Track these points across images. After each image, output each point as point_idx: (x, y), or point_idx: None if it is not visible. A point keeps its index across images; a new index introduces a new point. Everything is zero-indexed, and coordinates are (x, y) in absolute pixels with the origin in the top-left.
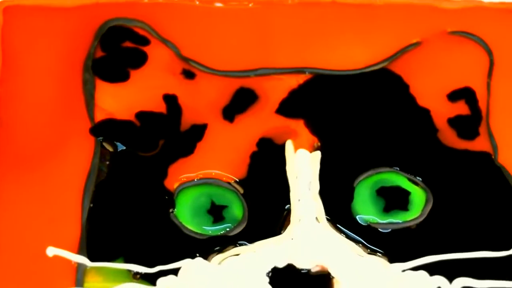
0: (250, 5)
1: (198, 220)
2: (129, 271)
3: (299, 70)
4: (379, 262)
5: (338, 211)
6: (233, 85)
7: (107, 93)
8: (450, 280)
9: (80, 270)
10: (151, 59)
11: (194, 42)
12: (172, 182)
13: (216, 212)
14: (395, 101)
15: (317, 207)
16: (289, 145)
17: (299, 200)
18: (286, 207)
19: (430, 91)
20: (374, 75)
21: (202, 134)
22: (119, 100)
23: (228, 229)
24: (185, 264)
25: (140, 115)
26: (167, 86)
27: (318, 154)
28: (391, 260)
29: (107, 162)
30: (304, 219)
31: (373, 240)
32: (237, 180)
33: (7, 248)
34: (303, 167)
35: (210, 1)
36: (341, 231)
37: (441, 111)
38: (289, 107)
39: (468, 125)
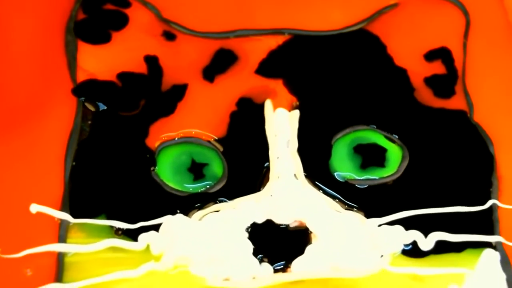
0: None
1: (179, 177)
2: (111, 227)
3: (278, 31)
4: (356, 217)
5: (316, 168)
6: (213, 46)
7: (89, 55)
8: (425, 234)
9: (63, 227)
10: (132, 21)
11: (175, 4)
12: (153, 141)
13: (196, 170)
14: (373, 61)
15: (296, 164)
16: (268, 104)
17: (278, 157)
18: (265, 165)
19: (407, 51)
20: (352, 36)
21: (182, 94)
22: (100, 61)
23: (208, 186)
24: (166, 220)
25: (122, 75)
26: (148, 47)
27: (296, 113)
28: (368, 215)
29: (89, 122)
30: (282, 176)
31: (350, 196)
32: (217, 138)
33: None
34: (282, 125)
35: None
36: (319, 188)
37: (418, 70)
38: (268, 68)
39: (444, 84)
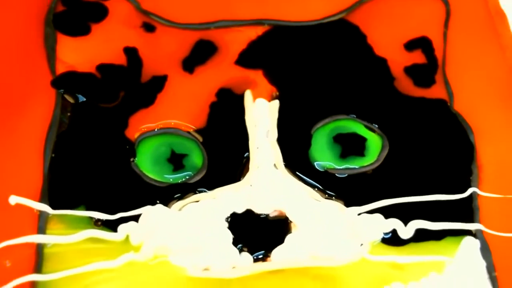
0: None
1: (159, 168)
2: (91, 218)
3: (258, 22)
4: (335, 206)
5: (296, 157)
6: (193, 37)
7: (68, 47)
8: (405, 222)
9: (42, 218)
10: (111, 13)
11: None
12: (133, 132)
13: (176, 161)
14: (353, 51)
15: (275, 154)
16: (248, 95)
17: (257, 147)
18: (245, 155)
19: (387, 41)
20: (331, 26)
21: (162, 85)
22: (80, 53)
23: (188, 177)
24: (145, 211)
25: (101, 67)
26: (128, 39)
27: (276, 103)
28: (347, 204)
29: (69, 114)
30: (262, 166)
31: (330, 185)
32: (197, 129)
33: None
34: (261, 116)
35: None
36: (298, 177)
37: (398, 60)
38: (248, 58)
39: (424, 73)
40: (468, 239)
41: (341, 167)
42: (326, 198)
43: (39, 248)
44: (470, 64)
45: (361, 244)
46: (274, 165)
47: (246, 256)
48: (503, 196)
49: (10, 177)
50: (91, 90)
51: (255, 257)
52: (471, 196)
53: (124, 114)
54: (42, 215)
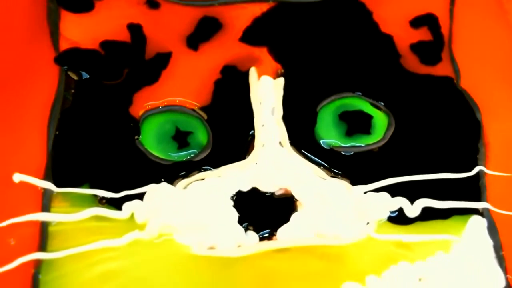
0: None
1: (163, 146)
2: (95, 196)
3: None
4: (341, 184)
5: (302, 135)
6: (197, 14)
7: (72, 23)
8: (412, 201)
9: (46, 196)
10: None
11: None
12: (137, 110)
13: (181, 138)
14: (358, 27)
15: (281, 132)
16: (252, 72)
17: (262, 125)
18: (250, 133)
19: (393, 17)
20: (337, 2)
21: (166, 62)
22: (83, 30)
23: (193, 155)
24: (150, 189)
25: (105, 44)
26: (132, 15)
27: (281, 81)
28: (353, 183)
29: (72, 91)
30: (267, 144)
31: (336, 163)
32: (202, 106)
33: None
34: (266, 93)
35: None
36: (304, 155)
37: (404, 37)
38: (252, 35)
39: (431, 50)
40: (475, 218)
41: (347, 145)
42: (332, 177)
43: (44, 226)
44: (477, 41)
45: (367, 223)
46: (280, 143)
47: (252, 235)
48: (510, 174)
49: (14, 154)
50: (95, 67)
51: (260, 236)
52: (478, 174)
53: (128, 91)
54: (46, 193)
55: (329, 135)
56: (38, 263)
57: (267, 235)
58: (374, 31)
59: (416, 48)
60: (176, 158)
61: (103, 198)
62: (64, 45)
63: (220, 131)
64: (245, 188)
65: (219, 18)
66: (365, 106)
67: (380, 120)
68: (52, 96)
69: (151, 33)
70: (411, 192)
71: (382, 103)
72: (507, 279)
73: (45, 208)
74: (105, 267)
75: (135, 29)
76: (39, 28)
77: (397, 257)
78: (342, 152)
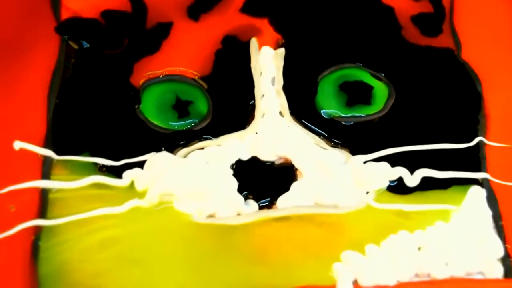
0: None
1: (164, 115)
2: (95, 164)
3: None
4: (341, 154)
5: (302, 105)
6: None
7: None
8: (412, 171)
9: (47, 163)
10: None
11: None
12: (137, 79)
13: (181, 108)
14: None
15: (281, 102)
16: (253, 43)
17: (263, 95)
18: (250, 103)
19: None
20: None
21: (167, 32)
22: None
23: (193, 124)
24: (150, 157)
25: (106, 13)
26: None
27: (282, 51)
28: (353, 152)
29: (73, 60)
30: (268, 113)
31: (336, 133)
32: (202, 76)
33: None
34: (267, 63)
35: None
36: (304, 125)
37: (405, 9)
38: (253, 6)
39: (432, 22)
40: (475, 188)
41: (347, 115)
42: (332, 146)
43: (44, 194)
44: (478, 13)
45: (367, 192)
46: (280, 112)
47: (252, 203)
48: (510, 145)
49: (14, 122)
50: (96, 36)
51: (260, 204)
52: (478, 145)
53: (129, 60)
54: (46, 160)
55: (330, 105)
56: (38, 230)
57: (266, 203)
58: (375, 2)
59: (417, 19)
60: (176, 127)
61: (103, 166)
62: (65, 15)
63: (220, 101)
64: (245, 157)
65: None
66: (365, 76)
67: (381, 91)
68: (52, 65)
69: (152, 3)
70: (411, 162)
71: (383, 74)
72: (506, 248)
73: (45, 175)
74: (105, 234)
75: None
76: None
77: (397, 226)
78: (342, 122)
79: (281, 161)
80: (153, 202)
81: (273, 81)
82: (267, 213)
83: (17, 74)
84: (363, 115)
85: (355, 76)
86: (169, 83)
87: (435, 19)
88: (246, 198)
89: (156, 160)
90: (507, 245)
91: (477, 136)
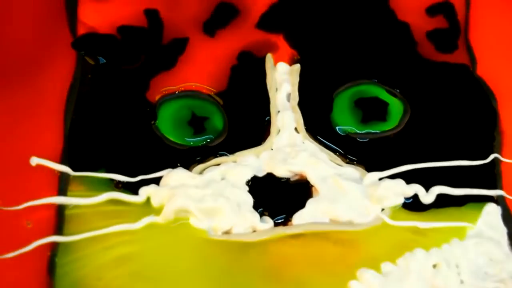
0: None
1: (180, 131)
2: (112, 180)
3: None
4: (356, 171)
5: (317, 122)
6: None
7: (89, 8)
8: (427, 188)
9: (63, 179)
10: None
11: None
12: (153, 95)
13: (197, 124)
14: (375, 15)
15: (297, 118)
16: (269, 58)
17: (278, 111)
18: (266, 119)
19: (410, 5)
20: None
21: (183, 47)
22: (101, 15)
23: (209, 140)
24: (166, 174)
25: (122, 29)
26: (149, 0)
27: (297, 67)
28: (369, 169)
29: (89, 75)
30: (283, 129)
31: (351, 149)
32: (218, 92)
33: None
34: (282, 79)
35: None
36: (320, 141)
37: (420, 24)
38: (269, 21)
39: (447, 38)
40: (490, 205)
41: (362, 132)
42: (347, 163)
43: (60, 210)
44: (493, 29)
45: (382, 209)
46: (295, 129)
47: (267, 220)
48: None
49: (31, 138)
50: (112, 52)
51: (275, 221)
52: (493, 162)
53: (145, 76)
54: (63, 176)
55: (345, 121)
56: (54, 246)
57: (282, 220)
58: (391, 18)
59: (432, 35)
60: (192, 143)
61: (119, 182)
62: (81, 30)
63: (236, 117)
64: (261, 174)
65: (236, 4)
66: (381, 93)
67: (396, 107)
68: (69, 81)
69: (168, 18)
70: (426, 179)
71: (398, 90)
72: None
73: (62, 191)
74: (121, 251)
75: (152, 14)
76: (57, 13)
77: (412, 244)
78: (357, 139)
79: (296, 177)
80: (169, 219)
81: (288, 97)
82: (283, 230)
83: (33, 89)
84: (378, 131)
85: (370, 93)
86: (185, 99)
87: (450, 35)
88: (261, 214)
89: (172, 176)
90: None
91: (492, 153)
